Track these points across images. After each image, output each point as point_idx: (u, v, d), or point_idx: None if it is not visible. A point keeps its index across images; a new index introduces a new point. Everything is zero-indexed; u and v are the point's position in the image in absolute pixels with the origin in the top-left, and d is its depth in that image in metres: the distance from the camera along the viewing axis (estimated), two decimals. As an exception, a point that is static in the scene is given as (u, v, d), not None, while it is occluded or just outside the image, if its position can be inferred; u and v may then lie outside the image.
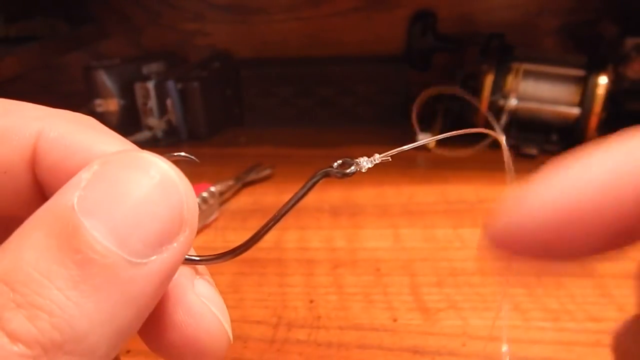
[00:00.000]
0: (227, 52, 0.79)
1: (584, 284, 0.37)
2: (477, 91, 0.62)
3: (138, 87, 0.70)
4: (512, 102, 0.61)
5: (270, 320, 0.36)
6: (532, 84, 0.61)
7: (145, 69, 0.73)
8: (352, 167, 0.17)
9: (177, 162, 0.15)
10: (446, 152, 0.60)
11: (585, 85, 0.59)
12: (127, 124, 0.71)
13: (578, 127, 0.60)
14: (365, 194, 0.53)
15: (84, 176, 0.14)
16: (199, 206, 0.39)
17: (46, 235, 0.13)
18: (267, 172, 0.58)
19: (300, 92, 0.75)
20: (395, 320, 0.35)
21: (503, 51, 0.63)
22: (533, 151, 0.61)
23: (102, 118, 0.61)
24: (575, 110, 0.60)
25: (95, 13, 0.81)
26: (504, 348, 0.30)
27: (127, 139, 0.18)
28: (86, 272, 0.13)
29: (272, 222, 0.17)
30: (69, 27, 0.78)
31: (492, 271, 0.35)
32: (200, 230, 0.47)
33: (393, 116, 0.73)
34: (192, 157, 0.19)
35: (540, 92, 0.61)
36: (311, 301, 0.38)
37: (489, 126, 0.58)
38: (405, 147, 0.18)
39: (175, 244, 0.14)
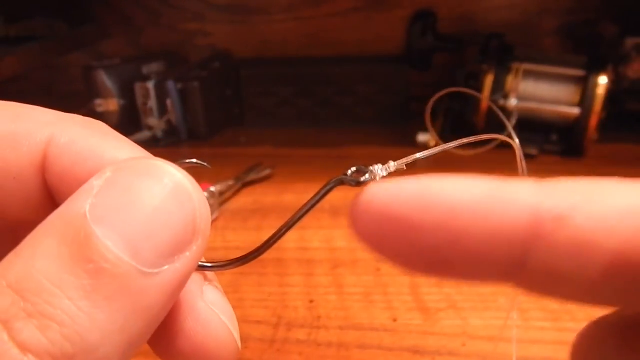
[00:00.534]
0: (227, 52, 0.79)
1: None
2: (477, 91, 0.62)
3: (138, 87, 0.70)
4: (512, 102, 0.61)
5: (270, 320, 0.36)
6: (532, 84, 0.61)
7: (145, 69, 0.73)
8: (367, 176, 0.17)
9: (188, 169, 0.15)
10: (449, 152, 0.60)
11: (585, 85, 0.59)
12: (127, 124, 0.71)
13: (578, 127, 0.60)
14: (366, 194, 0.53)
15: (96, 183, 0.14)
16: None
17: (58, 243, 0.13)
18: (267, 172, 0.58)
19: (300, 92, 0.75)
20: (395, 320, 0.35)
21: (503, 51, 0.63)
22: (533, 151, 0.61)
23: (102, 118, 0.61)
24: (576, 110, 0.60)
25: (95, 13, 0.81)
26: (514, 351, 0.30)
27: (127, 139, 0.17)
28: (98, 282, 0.13)
29: (285, 229, 0.17)
30: (69, 27, 0.78)
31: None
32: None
33: (393, 116, 0.73)
34: (205, 163, 0.18)
35: (541, 92, 0.61)
36: (311, 301, 0.38)
37: (494, 127, 0.58)
38: (420, 155, 0.18)
39: (187, 254, 0.14)
